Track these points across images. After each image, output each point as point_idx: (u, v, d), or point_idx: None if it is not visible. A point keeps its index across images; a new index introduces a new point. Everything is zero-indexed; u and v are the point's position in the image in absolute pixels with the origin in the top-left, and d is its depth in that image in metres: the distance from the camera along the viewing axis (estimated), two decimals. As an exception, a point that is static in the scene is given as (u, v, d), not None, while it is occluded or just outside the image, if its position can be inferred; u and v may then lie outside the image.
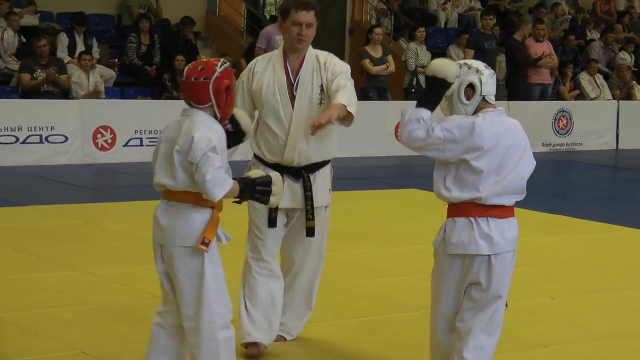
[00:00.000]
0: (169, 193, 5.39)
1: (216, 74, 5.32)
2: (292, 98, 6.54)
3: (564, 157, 18.58)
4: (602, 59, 21.98)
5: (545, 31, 20.23)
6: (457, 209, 5.48)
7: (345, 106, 6.34)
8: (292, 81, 6.56)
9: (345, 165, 15.30)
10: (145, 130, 15.95)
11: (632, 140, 19.97)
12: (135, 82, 18.09)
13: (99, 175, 14.90)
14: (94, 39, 17.75)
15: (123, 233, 10.44)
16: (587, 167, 17.68)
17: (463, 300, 5.52)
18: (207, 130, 5.27)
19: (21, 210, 11.53)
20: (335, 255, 9.60)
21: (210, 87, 5.31)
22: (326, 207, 6.75)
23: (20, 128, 15.20)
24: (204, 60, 5.50)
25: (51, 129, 15.37)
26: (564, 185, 16.29)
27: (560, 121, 19.50)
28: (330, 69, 6.58)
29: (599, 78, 20.99)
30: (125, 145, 15.83)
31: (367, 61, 18.02)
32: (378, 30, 18.44)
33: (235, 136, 5.64)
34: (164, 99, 17.19)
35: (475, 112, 5.56)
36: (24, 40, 17.34)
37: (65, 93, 16.20)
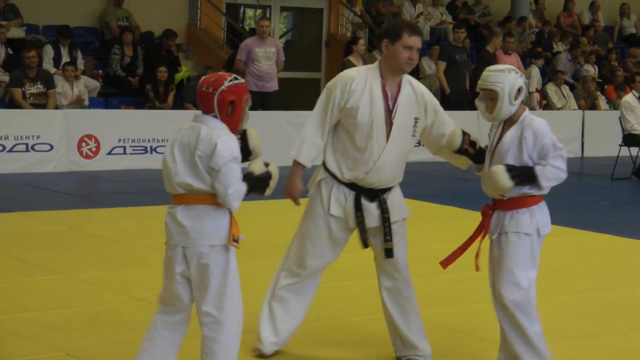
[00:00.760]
0: (189, 197, 5.50)
1: (222, 87, 5.47)
2: (389, 124, 6.33)
3: (532, 165, 18.61)
4: (568, 71, 22.08)
5: (514, 44, 20.30)
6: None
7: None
8: (391, 107, 6.34)
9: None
10: (128, 139, 15.93)
11: (596, 148, 20.04)
12: (119, 92, 18.09)
13: (84, 182, 14.87)
14: (79, 51, 17.74)
15: (107, 238, 10.42)
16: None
17: None
18: (228, 138, 5.44)
19: (7, 217, 11.50)
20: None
21: (215, 98, 5.47)
22: (404, 219, 6.60)
23: (7, 137, 15.16)
24: (219, 73, 5.66)
25: (37, 138, 15.33)
26: (531, 191, 16.34)
27: (528, 130, 19.53)
28: (427, 102, 6.46)
29: (565, 89, 21.07)
30: (109, 153, 15.80)
31: (351, 71, 17.99)
32: (362, 41, 18.48)
33: (242, 153, 5.61)
34: (147, 108, 17.19)
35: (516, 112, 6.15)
36: (10, 52, 17.32)
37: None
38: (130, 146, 15.95)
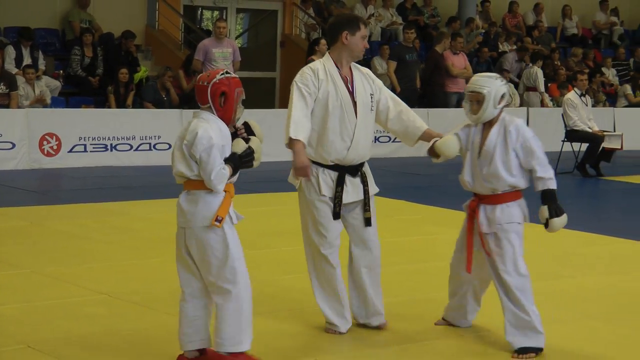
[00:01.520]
0: (189, 183, 5.97)
1: (215, 80, 5.96)
2: (354, 104, 6.88)
3: (479, 160, 18.67)
4: (514, 70, 22.18)
5: (462, 44, 20.37)
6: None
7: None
8: (351, 89, 6.92)
9: (281, 168, 15.29)
10: (89, 137, 15.85)
11: (541, 143, 20.09)
12: (80, 92, 18.01)
13: (45, 179, 14.75)
14: (40, 52, 17.66)
15: (68, 234, 10.34)
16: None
17: None
18: (209, 127, 5.86)
19: (-29, 213, 11.40)
20: (269, 253, 9.60)
21: (209, 90, 5.95)
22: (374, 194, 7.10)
23: (-30, 136, 15.04)
24: (213, 70, 6.14)
25: (-1, 137, 15.23)
26: (478, 185, 16.40)
27: (476, 127, 19.61)
28: (374, 80, 7.08)
29: (511, 87, 21.16)
30: (70, 151, 15.71)
31: (314, 69, 17.99)
32: (323, 41, 18.46)
33: (256, 141, 6.09)
34: (107, 107, 17.10)
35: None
36: (-28, 53, 17.16)
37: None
38: (90, 144, 15.87)
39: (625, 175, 16.76)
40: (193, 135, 5.86)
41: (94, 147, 15.87)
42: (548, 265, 9.54)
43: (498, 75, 6.79)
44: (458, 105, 19.71)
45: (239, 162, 5.96)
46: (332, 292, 6.93)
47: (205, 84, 5.97)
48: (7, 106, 15.78)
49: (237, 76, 6.15)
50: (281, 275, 8.74)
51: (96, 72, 18.12)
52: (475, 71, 20.92)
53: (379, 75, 19.63)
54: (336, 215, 6.85)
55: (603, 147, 16.63)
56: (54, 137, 15.60)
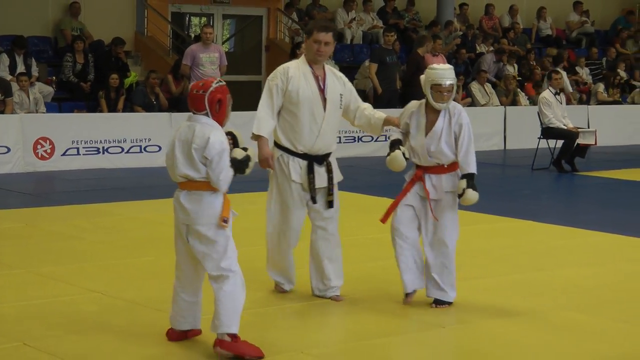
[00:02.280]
0: (190, 184, 6.25)
1: (211, 88, 6.28)
2: (323, 100, 7.48)
3: (459, 158, 18.70)
4: (492, 70, 22.19)
5: (441, 46, 20.37)
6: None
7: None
8: (322, 87, 7.50)
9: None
10: (81, 141, 15.81)
11: (517, 141, 20.16)
12: (72, 97, 17.97)
13: (39, 182, 14.71)
14: (33, 59, 17.65)
15: (62, 234, 10.31)
16: (478, 166, 17.75)
17: None
18: (218, 133, 6.22)
19: (-33, 216, 11.35)
20: (259, 250, 9.57)
21: (206, 98, 6.25)
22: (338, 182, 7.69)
23: (-34, 141, 14.99)
24: (205, 79, 6.44)
25: (-5, 141, 15.18)
26: (458, 182, 16.42)
27: (455, 125, 19.62)
28: (345, 82, 7.68)
29: (488, 87, 21.18)
30: (64, 154, 15.66)
31: (296, 73, 18.00)
32: (304, 45, 18.42)
33: (253, 151, 6.42)
34: (99, 112, 17.08)
35: None
36: (-33, 61, 17.14)
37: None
38: (83, 147, 15.83)
39: (600, 170, 16.79)
40: (204, 140, 6.16)
41: (86, 150, 15.83)
42: (526, 258, 9.55)
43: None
44: (438, 105, 19.71)
45: (238, 166, 6.27)
46: (283, 266, 7.73)
47: (201, 92, 6.26)
48: (2, 112, 15.73)
49: (225, 83, 6.47)
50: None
51: (88, 78, 18.10)
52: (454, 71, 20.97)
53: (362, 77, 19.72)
54: (313, 199, 7.45)
55: (578, 143, 16.64)
56: (48, 141, 15.55)
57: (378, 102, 17.51)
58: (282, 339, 6.74)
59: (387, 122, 7.69)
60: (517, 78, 22.07)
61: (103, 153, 15.96)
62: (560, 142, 16.77)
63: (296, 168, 7.44)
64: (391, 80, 19.13)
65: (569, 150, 16.63)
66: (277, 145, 7.51)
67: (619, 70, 24.17)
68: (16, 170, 15.18)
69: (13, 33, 18.43)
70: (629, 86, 23.95)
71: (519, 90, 21.69)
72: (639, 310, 7.72)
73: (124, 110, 17.16)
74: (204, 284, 6.49)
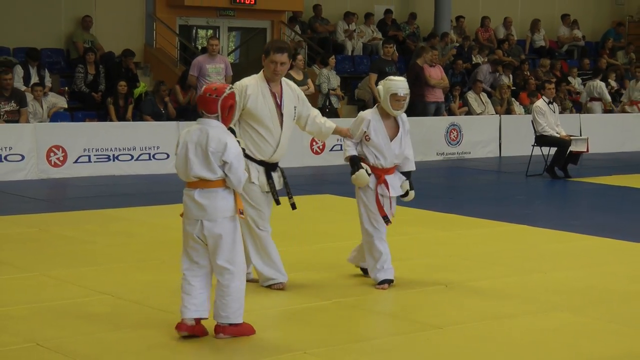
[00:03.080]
0: (203, 182, 6.46)
1: (225, 94, 6.49)
2: (280, 115, 7.81)
3: (455, 164, 18.73)
4: (487, 80, 22.19)
5: (437, 57, 20.37)
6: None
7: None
8: (279, 103, 7.81)
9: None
10: (92, 149, 15.81)
11: (512, 148, 20.16)
12: (83, 107, 18.00)
13: (52, 188, 14.71)
14: (46, 70, 17.68)
15: (74, 239, 10.31)
16: (474, 172, 17.84)
17: None
18: (233, 138, 6.49)
19: (-17, 221, 11.35)
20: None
21: (219, 102, 6.45)
22: None
23: (-18, 149, 15.02)
24: (217, 84, 6.64)
25: (9, 149, 15.16)
26: (455, 188, 16.41)
27: (452, 133, 19.65)
28: (299, 95, 8.00)
29: (484, 96, 21.18)
30: (75, 162, 15.66)
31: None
32: (300, 57, 18.50)
33: None
34: (109, 120, 17.11)
35: None
36: (-16, 72, 17.14)
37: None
38: (94, 155, 15.83)
39: (591, 177, 16.77)
40: (222, 144, 6.39)
41: (97, 158, 15.84)
42: (520, 261, 9.55)
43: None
44: (436, 113, 19.75)
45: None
46: (265, 254, 7.93)
47: (214, 96, 6.46)
48: (17, 121, 15.76)
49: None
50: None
51: (99, 88, 18.14)
52: (450, 82, 21.03)
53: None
54: (277, 201, 7.89)
55: (570, 151, 16.64)
56: (60, 149, 15.56)
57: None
58: (285, 339, 6.74)
59: (336, 131, 8.16)
60: (512, 88, 22.07)
61: (113, 160, 15.97)
62: (553, 150, 16.77)
63: (255, 172, 7.79)
64: (390, 89, 19.11)
65: (562, 158, 16.63)
66: (244, 150, 7.65)
67: (609, 80, 24.18)
68: (30, 177, 15.19)
69: (27, 45, 18.56)
70: (620, 95, 23.96)
71: (513, 99, 21.70)
72: (629, 311, 7.72)
73: (133, 119, 17.18)
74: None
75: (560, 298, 8.06)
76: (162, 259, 9.13)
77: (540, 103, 16.79)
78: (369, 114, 8.16)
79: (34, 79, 17.19)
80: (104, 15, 20.18)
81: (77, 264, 8.96)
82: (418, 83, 19.34)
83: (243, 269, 6.56)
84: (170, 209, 11.31)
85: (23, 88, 16.71)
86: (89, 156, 15.81)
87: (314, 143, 17.25)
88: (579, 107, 23.14)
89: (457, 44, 23.69)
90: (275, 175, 7.93)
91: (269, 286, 7.96)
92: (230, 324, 6.54)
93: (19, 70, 17.24)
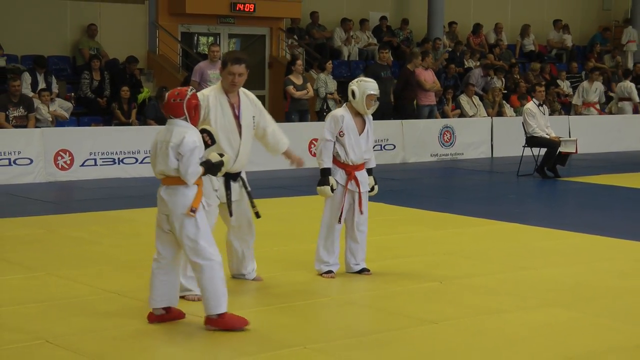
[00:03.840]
0: (168, 179, 6.64)
1: (187, 96, 6.65)
2: (239, 126, 7.69)
3: (449, 165, 18.72)
4: (479, 84, 22.20)
5: (431, 61, 20.37)
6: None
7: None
8: (237, 114, 7.69)
9: (268, 177, 15.27)
10: (98, 152, 15.80)
11: (503, 149, 20.15)
12: (89, 112, 18.01)
13: (60, 191, 14.70)
14: (53, 77, 17.69)
15: (81, 239, 10.30)
16: (467, 172, 17.83)
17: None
18: (193, 133, 6.60)
19: (-7, 223, 11.35)
20: (260, 252, 9.57)
21: (184, 105, 6.62)
22: None
23: (-8, 153, 15.03)
24: (178, 88, 6.75)
25: (18, 153, 15.15)
26: (449, 188, 16.41)
27: (445, 135, 19.64)
28: (256, 104, 7.89)
29: (476, 99, 21.18)
30: (82, 165, 15.65)
31: (291, 87, 18.05)
32: (299, 62, 18.51)
33: (228, 158, 6.97)
34: (114, 125, 17.12)
35: None
36: (-7, 78, 17.21)
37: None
38: (100, 158, 15.82)
39: (580, 176, 16.78)
40: (180, 138, 6.53)
41: (103, 161, 15.83)
42: (512, 258, 9.55)
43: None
44: (430, 116, 19.75)
45: (210, 168, 6.71)
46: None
47: (179, 100, 6.62)
48: (25, 126, 15.76)
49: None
50: (274, 272, 8.71)
51: (104, 94, 18.15)
52: (443, 85, 21.04)
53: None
54: (231, 213, 7.75)
55: (560, 152, 16.65)
56: (67, 153, 15.55)
57: (374, 114, 17.44)
58: (286, 335, 6.74)
59: (286, 154, 8.17)
60: (503, 91, 22.08)
61: (119, 163, 15.97)
62: (543, 150, 16.77)
63: (216, 181, 7.63)
64: (385, 93, 19.09)
65: (552, 158, 16.63)
66: None
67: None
68: (38, 180, 15.18)
69: (34, 53, 18.59)
70: (607, 98, 23.97)
71: (504, 102, 21.70)
72: (618, 306, 7.72)
73: (138, 124, 17.19)
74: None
75: (552, 294, 8.06)
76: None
77: (531, 105, 16.79)
78: (342, 112, 8.42)
79: (41, 85, 17.18)
80: (108, 24, 20.19)
81: (84, 264, 8.95)
82: (409, 87, 19.37)
83: (211, 262, 6.58)
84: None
85: (31, 94, 16.71)
86: (95, 159, 15.79)
87: (312, 145, 17.23)
88: (568, 109, 23.15)
89: (450, 49, 23.70)
90: (236, 185, 7.79)
91: (183, 297, 7.35)
92: (211, 316, 6.62)
93: (26, 77, 17.24)
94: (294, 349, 6.36)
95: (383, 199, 13.28)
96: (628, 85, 23.14)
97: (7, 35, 18.77)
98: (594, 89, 22.53)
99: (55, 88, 17.49)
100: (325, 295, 7.86)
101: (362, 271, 8.51)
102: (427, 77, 19.76)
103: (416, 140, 18.96)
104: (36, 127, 15.91)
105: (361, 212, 8.42)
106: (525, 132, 16.83)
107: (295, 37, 22.09)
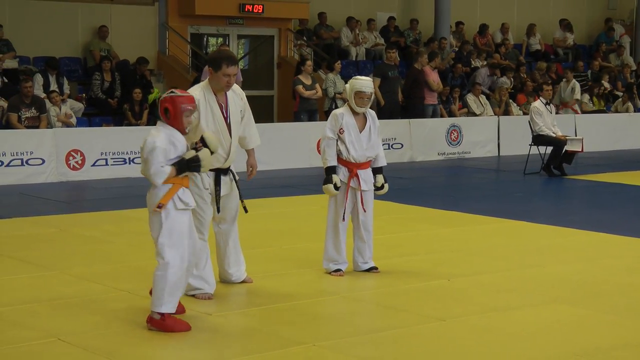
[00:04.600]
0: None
1: (161, 99, 6.68)
2: (228, 126, 7.55)
3: (456, 164, 18.70)
4: (486, 83, 22.17)
5: (439, 62, 20.34)
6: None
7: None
8: (225, 114, 7.54)
9: (277, 176, 15.28)
10: (109, 152, 15.82)
11: (510, 148, 20.13)
12: (100, 112, 18.03)
13: (71, 191, 14.72)
14: (65, 78, 17.73)
15: (93, 238, 10.31)
16: (474, 171, 17.81)
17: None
18: (156, 134, 6.55)
19: (5, 222, 11.34)
20: (269, 251, 9.58)
21: (159, 107, 6.67)
22: None
23: (5, 153, 14.99)
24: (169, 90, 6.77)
25: (30, 154, 15.18)
26: (456, 186, 16.38)
27: (452, 134, 19.62)
28: (242, 97, 7.75)
29: (483, 98, 21.16)
30: (93, 165, 15.67)
31: (300, 87, 18.06)
32: (309, 62, 18.53)
33: (205, 152, 6.70)
34: (125, 125, 17.15)
35: None
36: (6, 80, 17.20)
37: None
38: (111, 158, 15.84)
39: (586, 174, 16.76)
40: (144, 140, 6.57)
41: (114, 161, 15.85)
42: (518, 256, 9.53)
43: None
44: (433, 115, 19.74)
45: (185, 165, 6.59)
46: (198, 267, 7.38)
47: (159, 102, 6.74)
48: (37, 127, 15.78)
49: (189, 94, 6.76)
50: (280, 271, 8.70)
51: (115, 95, 18.16)
52: (450, 84, 21.02)
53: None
54: (218, 209, 7.56)
55: (566, 150, 16.61)
56: (79, 153, 15.57)
57: (381, 114, 17.47)
58: (295, 332, 6.73)
59: (251, 153, 7.95)
60: (510, 90, 22.04)
61: (129, 163, 15.97)
62: (549, 149, 16.74)
63: (206, 177, 7.50)
64: (393, 93, 19.13)
65: (558, 157, 16.60)
66: None
67: (603, 81, 24.14)
68: (50, 180, 15.21)
69: (46, 54, 18.62)
70: (613, 96, 23.90)
71: (511, 101, 21.67)
72: (625, 303, 7.70)
73: (148, 123, 17.20)
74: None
75: (559, 291, 8.04)
76: (177, 257, 9.11)
77: (538, 104, 16.77)
78: (342, 110, 8.41)
79: (53, 86, 17.22)
80: (119, 25, 20.21)
81: (95, 263, 8.96)
82: (416, 86, 19.35)
83: (169, 263, 6.56)
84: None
85: (42, 95, 16.74)
86: (106, 159, 15.81)
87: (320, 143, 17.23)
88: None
89: (456, 49, 23.67)
90: (226, 179, 7.63)
91: (193, 295, 7.44)
92: (153, 315, 6.61)
93: (38, 79, 17.29)
94: (303, 346, 6.36)
95: (391, 198, 13.27)
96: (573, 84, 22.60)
97: (19, 37, 18.81)
98: (570, 90, 22.34)
99: (66, 89, 17.55)
100: (334, 293, 7.85)
101: (371, 269, 8.50)
102: (435, 77, 19.75)
103: (424, 139, 18.94)
104: (48, 127, 15.93)
105: (364, 210, 8.38)
106: (532, 131, 16.80)
107: (304, 38, 22.09)
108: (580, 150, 16.77)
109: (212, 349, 6.33)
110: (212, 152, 6.76)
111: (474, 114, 20.74)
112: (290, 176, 15.40)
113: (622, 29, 27.71)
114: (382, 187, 8.50)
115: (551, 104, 17.04)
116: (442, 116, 20.08)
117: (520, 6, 27.02)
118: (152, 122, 17.26)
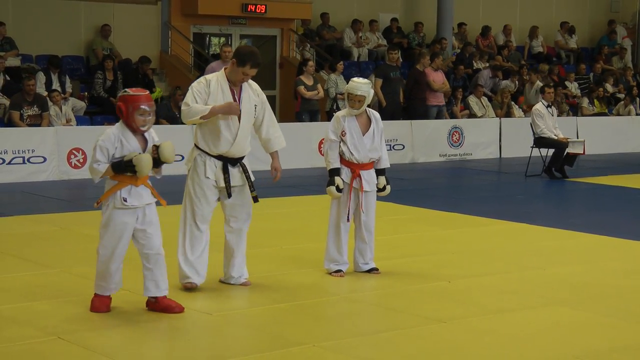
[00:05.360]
0: None
1: (119, 97, 6.89)
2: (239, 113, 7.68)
3: (458, 165, 18.70)
4: (488, 85, 22.16)
5: (441, 62, 20.36)
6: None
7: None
8: (238, 100, 7.69)
9: (285, 176, 15.26)
10: (111, 151, 15.80)
11: (511, 150, 20.14)
12: (102, 111, 18.02)
13: (73, 189, 14.72)
14: (67, 77, 17.74)
15: (94, 237, 10.13)
16: (475, 172, 17.81)
17: None
18: (105, 132, 6.86)
19: (7, 220, 11.34)
20: (270, 251, 9.58)
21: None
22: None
23: (6, 151, 14.99)
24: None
25: (32, 152, 15.19)
26: (457, 188, 16.39)
27: (454, 135, 19.62)
28: (259, 95, 7.88)
29: (485, 100, 21.16)
30: (95, 163, 15.67)
31: (302, 87, 18.06)
32: (311, 63, 18.54)
33: (158, 161, 6.86)
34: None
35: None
36: (8, 78, 17.21)
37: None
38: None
39: (588, 177, 16.75)
40: None
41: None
42: (519, 258, 9.53)
43: (370, 82, 8.47)
44: (438, 116, 19.73)
45: (122, 166, 6.78)
46: (194, 252, 7.69)
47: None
48: (39, 125, 15.79)
49: (144, 93, 6.88)
50: (282, 270, 8.70)
51: (117, 94, 18.13)
52: (452, 86, 21.02)
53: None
54: (229, 195, 7.67)
55: (567, 153, 16.61)
56: (80, 152, 15.58)
57: (383, 115, 17.39)
58: (296, 332, 6.74)
59: (274, 155, 8.00)
60: (512, 92, 22.03)
61: (131, 162, 15.96)
62: (551, 151, 16.74)
63: (212, 167, 7.69)
64: (394, 94, 19.14)
65: (559, 159, 16.61)
66: (196, 146, 7.81)
67: (606, 84, 24.13)
68: (52, 178, 15.22)
69: (49, 53, 18.61)
70: (615, 99, 23.90)
71: (513, 103, 21.67)
72: (625, 306, 7.70)
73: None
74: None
75: (559, 293, 8.04)
76: (174, 256, 9.10)
77: (539, 106, 16.76)
78: (344, 112, 8.41)
79: (55, 85, 17.23)
80: (121, 24, 20.22)
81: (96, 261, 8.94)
82: (417, 87, 19.35)
83: (102, 252, 7.00)
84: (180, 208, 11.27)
85: (45, 94, 16.75)
86: (108, 158, 15.80)
87: (322, 145, 17.22)
88: (576, 111, 23.09)
89: (458, 50, 23.66)
90: (235, 171, 7.75)
91: (184, 286, 7.75)
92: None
93: (41, 77, 17.29)
94: (303, 346, 6.36)
95: (392, 199, 13.27)
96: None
97: (22, 36, 18.82)
98: (534, 92, 22.22)
99: (69, 87, 17.55)
100: (335, 294, 7.86)
101: (371, 270, 8.50)
102: (436, 77, 19.73)
103: (425, 141, 18.94)
104: (50, 125, 15.94)
105: (364, 211, 8.39)
106: (534, 133, 16.80)
107: (308, 40, 22.09)
108: (581, 152, 16.77)
109: (212, 349, 6.33)
110: (162, 162, 6.87)
111: (476, 116, 20.75)
112: (291, 176, 15.39)
113: (624, 31, 27.76)
114: (383, 188, 8.52)
115: (552, 106, 17.04)
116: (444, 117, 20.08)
117: (522, 8, 27.03)
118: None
